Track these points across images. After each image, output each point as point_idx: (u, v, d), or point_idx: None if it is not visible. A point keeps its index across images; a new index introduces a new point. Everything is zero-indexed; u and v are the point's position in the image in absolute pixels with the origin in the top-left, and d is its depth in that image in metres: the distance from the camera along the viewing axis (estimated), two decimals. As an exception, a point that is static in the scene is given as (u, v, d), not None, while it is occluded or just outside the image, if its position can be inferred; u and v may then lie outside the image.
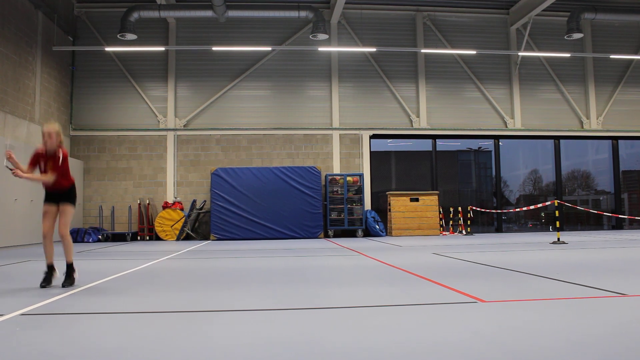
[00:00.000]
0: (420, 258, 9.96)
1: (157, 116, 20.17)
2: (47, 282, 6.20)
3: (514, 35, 21.50)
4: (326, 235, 19.48)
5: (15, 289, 6.26)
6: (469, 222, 19.87)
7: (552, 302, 5.04)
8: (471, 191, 22.80)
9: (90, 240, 18.10)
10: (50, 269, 6.31)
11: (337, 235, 19.84)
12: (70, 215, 6.43)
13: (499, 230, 21.54)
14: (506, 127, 21.22)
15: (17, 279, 7.35)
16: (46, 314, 4.74)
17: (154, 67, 20.45)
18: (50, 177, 6.25)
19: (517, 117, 21.24)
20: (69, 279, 6.33)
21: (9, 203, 14.22)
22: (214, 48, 19.71)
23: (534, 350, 3.28)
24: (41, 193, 6.63)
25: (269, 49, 20.26)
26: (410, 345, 3.44)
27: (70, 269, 6.39)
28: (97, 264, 9.70)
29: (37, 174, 6.35)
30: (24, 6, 16.59)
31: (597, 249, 11.65)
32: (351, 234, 19.81)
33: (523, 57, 21.25)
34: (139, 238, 19.28)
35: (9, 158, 6.08)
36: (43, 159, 6.34)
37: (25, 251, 12.91)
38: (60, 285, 6.25)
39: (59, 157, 6.30)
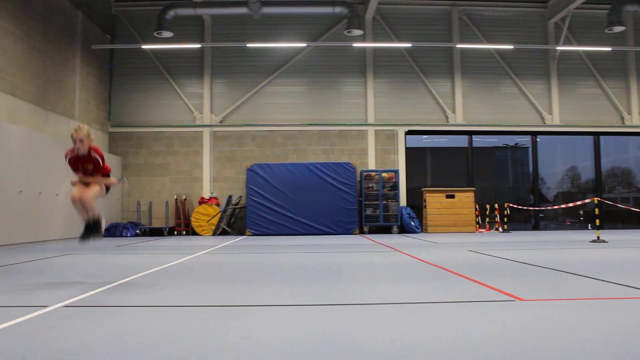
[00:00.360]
0: (456, 255, 9.87)
1: (193, 112, 20.39)
2: (84, 235, 6.45)
3: (552, 29, 21.13)
4: (361, 232, 19.45)
5: (56, 282, 6.39)
6: (505, 219, 19.63)
7: (591, 301, 4.95)
8: (507, 188, 22.52)
9: (128, 234, 18.40)
10: (88, 226, 6.48)
11: (372, 231, 19.79)
12: (99, 191, 6.49)
13: (536, 228, 21.24)
14: (544, 123, 20.89)
15: (57, 272, 7.50)
16: (88, 306, 4.83)
17: (190, 64, 20.66)
18: (113, 181, 6.65)
19: (556, 112, 20.89)
20: (98, 232, 6.50)
21: (50, 198, 14.53)
22: (249, 45, 19.84)
23: (574, 350, 3.23)
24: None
25: (304, 45, 20.29)
26: (448, 343, 3.41)
27: (98, 222, 6.49)
28: (136, 258, 9.85)
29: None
30: (65, 6, 16.91)
31: (638, 248, 11.40)
32: (386, 230, 19.74)
33: (562, 51, 20.87)
34: (175, 233, 19.53)
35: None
36: (80, 161, 6.40)
37: (62, 245, 13.19)
38: (90, 238, 6.48)
39: (98, 159, 6.38)
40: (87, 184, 6.48)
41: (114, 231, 18.46)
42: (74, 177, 6.54)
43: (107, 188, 6.69)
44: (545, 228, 21.64)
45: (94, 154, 6.38)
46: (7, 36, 13.75)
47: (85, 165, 6.39)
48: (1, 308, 4.73)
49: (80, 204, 6.37)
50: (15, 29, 14.14)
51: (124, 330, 3.85)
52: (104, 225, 6.66)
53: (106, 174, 6.60)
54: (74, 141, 6.23)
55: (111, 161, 19.11)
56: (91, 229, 6.48)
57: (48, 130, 15.63)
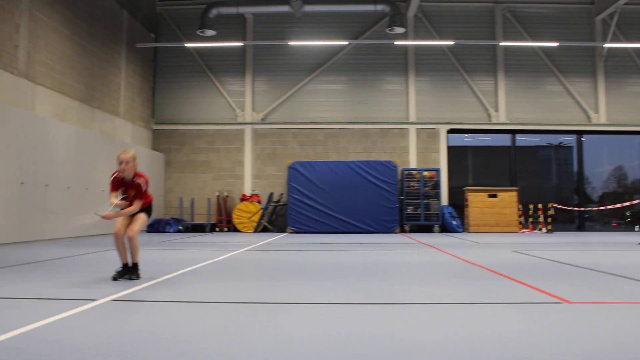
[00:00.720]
0: (499, 255, 9.75)
1: (235, 110, 20.56)
2: (119, 274, 6.24)
3: (599, 26, 20.64)
4: (402, 230, 19.36)
5: (104, 276, 6.52)
6: (549, 219, 19.28)
7: (647, 303, 4.83)
8: (551, 188, 22.13)
9: (171, 230, 18.66)
10: (125, 267, 6.33)
11: (413, 230, 19.67)
12: (143, 223, 6.42)
13: (581, 228, 20.81)
14: (590, 122, 20.43)
15: (104, 267, 7.64)
16: (134, 301, 4.93)
17: (231, 62, 20.84)
18: (136, 206, 6.29)
19: (602, 111, 20.41)
20: (135, 273, 6.34)
21: (97, 193, 14.82)
22: (290, 43, 19.90)
23: (629, 355, 3.15)
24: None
25: (345, 43, 20.27)
26: (494, 345, 3.36)
27: (135, 266, 6.38)
28: (179, 254, 9.98)
29: (118, 199, 6.36)
30: (111, 6, 17.24)
31: (690, 250, 11.08)
32: (427, 229, 19.60)
33: (609, 48, 20.37)
34: (217, 229, 19.73)
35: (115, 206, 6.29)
36: (123, 185, 6.37)
37: (107, 240, 13.42)
38: (127, 278, 6.29)
39: (140, 185, 6.32)
40: (127, 217, 6.38)
41: (157, 227, 18.75)
42: (114, 197, 6.40)
43: (148, 208, 6.58)
44: (590, 229, 21.19)
45: (137, 179, 6.34)
46: (56, 36, 14.08)
47: (128, 191, 6.34)
48: (55, 300, 4.86)
49: (122, 242, 6.27)
50: (64, 28, 14.47)
51: (165, 326, 3.91)
52: (140, 271, 6.49)
53: (147, 202, 6.49)
54: (120, 163, 6.24)
55: (155, 158, 19.41)
56: (127, 271, 6.33)
57: (94, 127, 15.95)
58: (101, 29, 16.57)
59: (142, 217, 6.45)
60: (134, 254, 6.34)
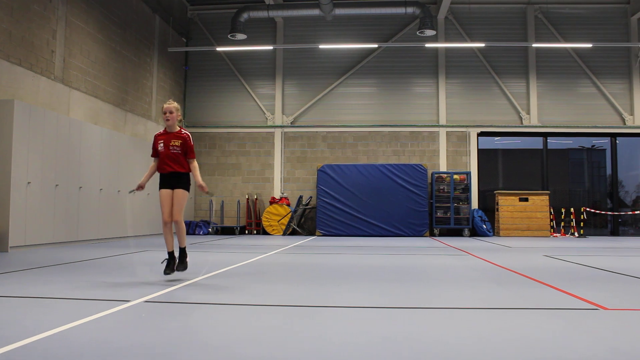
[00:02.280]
0: (531, 260, 9.64)
1: (265, 113, 20.67)
2: (170, 269, 6.34)
3: (636, 26, 20.25)
4: (432, 234, 19.25)
5: (137, 278, 6.62)
6: (581, 224, 19.00)
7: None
8: (583, 191, 21.78)
9: (201, 232, 18.84)
10: (171, 256, 6.43)
11: (443, 234, 19.56)
12: (184, 201, 6.49)
13: (614, 233, 20.45)
14: (624, 124, 20.08)
15: (136, 269, 7.75)
16: (167, 302, 4.99)
17: (262, 66, 20.97)
18: (196, 165, 6.59)
19: (638, 113, 20.03)
20: (182, 264, 6.48)
21: (128, 195, 15.04)
22: (321, 46, 19.95)
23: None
24: (156, 185, 6.72)
25: (375, 46, 20.25)
26: (530, 351, 3.33)
27: (183, 253, 6.51)
28: (210, 256, 10.07)
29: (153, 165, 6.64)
30: (143, 11, 17.49)
31: None
32: (457, 233, 19.47)
33: (644, 49, 20.01)
34: (246, 232, 19.85)
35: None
36: (163, 139, 6.50)
37: (143, 241, 13.63)
38: (175, 269, 6.43)
39: (187, 137, 6.49)
40: (171, 198, 6.44)
41: (187, 229, 18.93)
42: (141, 180, 6.63)
43: (186, 177, 6.59)
44: (624, 234, 20.81)
45: (184, 131, 6.56)
46: (91, 41, 14.34)
47: (172, 140, 6.45)
48: (90, 301, 4.95)
49: (170, 229, 6.45)
50: (99, 33, 14.73)
51: (199, 328, 3.97)
52: (189, 261, 6.64)
53: (192, 157, 6.59)
54: (164, 113, 6.48)
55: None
56: (174, 260, 6.44)
57: (127, 131, 16.19)
58: (134, 33, 16.83)
59: (183, 195, 6.49)
60: (181, 238, 6.48)
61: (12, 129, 10.51)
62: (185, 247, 6.55)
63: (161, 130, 6.65)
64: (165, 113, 6.48)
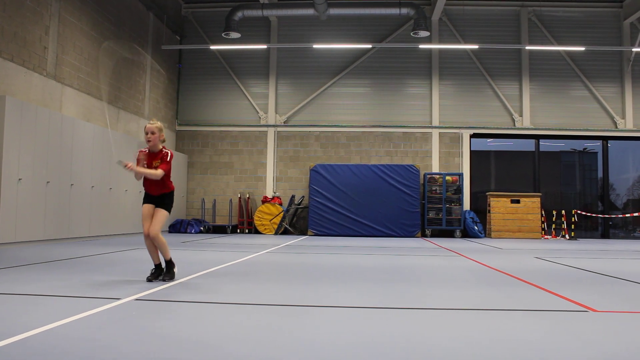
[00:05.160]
0: (522, 262, 9.67)
1: (258, 112, 20.65)
2: (154, 277, 6.26)
3: (628, 30, 20.36)
4: (423, 235, 19.29)
5: (127, 276, 6.59)
6: (572, 226, 19.07)
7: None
8: (574, 194, 21.87)
9: (193, 231, 18.79)
10: (158, 268, 6.35)
11: (435, 235, 19.60)
12: (164, 219, 6.41)
13: (605, 236, 20.55)
14: (616, 127, 20.18)
15: (127, 266, 7.73)
16: (158, 301, 4.98)
17: (255, 65, 20.95)
18: (159, 173, 6.24)
19: (629, 117, 20.14)
20: (169, 273, 6.34)
21: (120, 193, 15.01)
22: (315, 46, 19.94)
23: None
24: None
25: (369, 46, 20.27)
26: (519, 352, 3.34)
27: (169, 264, 6.38)
28: (201, 255, 10.06)
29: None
30: (137, 8, 17.43)
31: None
32: (449, 234, 19.51)
33: (637, 53, 20.10)
34: (238, 231, 19.83)
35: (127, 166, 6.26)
36: (146, 159, 6.40)
37: (130, 240, 13.58)
38: (161, 279, 6.31)
39: (166, 154, 6.37)
40: (152, 214, 6.35)
41: (179, 227, 18.90)
42: (136, 167, 6.32)
43: (169, 199, 6.50)
44: (614, 237, 20.91)
45: (165, 150, 6.44)
46: (84, 38, 14.28)
47: (154, 162, 6.36)
48: (80, 299, 4.93)
49: (151, 242, 6.30)
50: (92, 30, 14.67)
51: (189, 326, 3.95)
52: (176, 271, 6.49)
53: (168, 190, 6.46)
54: (146, 133, 6.34)
55: (178, 159, 19.56)
56: (161, 272, 6.34)
57: (119, 128, 16.14)
58: (128, 31, 16.78)
59: (163, 214, 6.39)
60: (162, 251, 6.32)
61: (3, 125, 10.46)
62: (170, 259, 6.38)
63: (145, 149, 6.46)
64: (147, 134, 6.32)
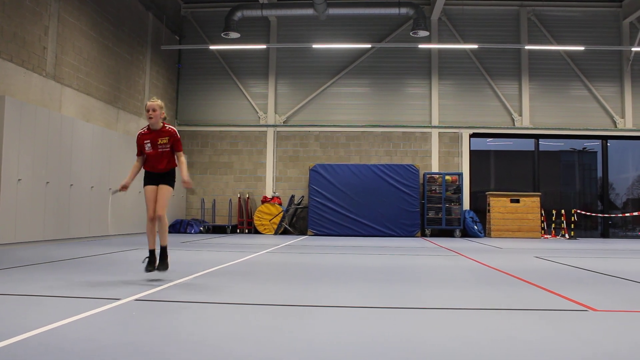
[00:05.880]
0: (522, 261, 9.67)
1: (257, 112, 20.65)
2: (152, 266, 6.23)
3: (627, 30, 20.35)
4: (423, 235, 19.29)
5: (127, 276, 6.59)
6: (572, 225, 19.08)
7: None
8: (574, 193, 21.88)
9: (192, 231, 18.79)
10: (152, 254, 6.31)
11: (434, 234, 19.60)
12: (169, 196, 6.37)
13: (604, 235, 20.56)
14: (615, 127, 20.18)
15: (128, 266, 7.73)
16: (158, 301, 4.98)
17: (255, 65, 20.94)
18: (184, 160, 6.39)
19: (629, 116, 20.15)
20: (163, 264, 6.28)
21: (120, 194, 14.98)
22: (314, 46, 19.94)
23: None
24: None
25: (369, 46, 20.26)
26: (519, 352, 3.34)
27: (164, 253, 6.31)
28: (201, 255, 10.06)
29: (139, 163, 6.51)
30: (137, 8, 17.43)
31: None
32: (448, 233, 19.52)
33: (636, 52, 20.10)
34: (238, 231, 19.83)
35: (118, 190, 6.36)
36: (149, 138, 6.37)
37: (129, 240, 13.58)
38: (155, 269, 6.29)
39: (172, 131, 6.36)
40: (156, 195, 6.32)
41: (179, 227, 18.89)
42: (125, 181, 6.42)
43: (174, 174, 6.47)
44: (614, 236, 20.91)
45: (168, 126, 6.42)
46: (83, 38, 14.28)
47: (159, 139, 6.32)
48: (80, 299, 4.93)
49: (154, 226, 6.27)
50: (91, 30, 14.66)
51: (189, 326, 3.95)
52: (170, 260, 6.44)
53: (180, 150, 6.45)
54: (147, 110, 6.31)
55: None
56: (155, 259, 6.31)
57: (119, 128, 16.14)
58: (127, 31, 16.77)
59: (168, 189, 6.37)
60: (162, 235, 6.30)
61: (2, 125, 10.46)
62: (166, 246, 6.35)
63: (144, 129, 6.46)
64: (148, 110, 6.30)
